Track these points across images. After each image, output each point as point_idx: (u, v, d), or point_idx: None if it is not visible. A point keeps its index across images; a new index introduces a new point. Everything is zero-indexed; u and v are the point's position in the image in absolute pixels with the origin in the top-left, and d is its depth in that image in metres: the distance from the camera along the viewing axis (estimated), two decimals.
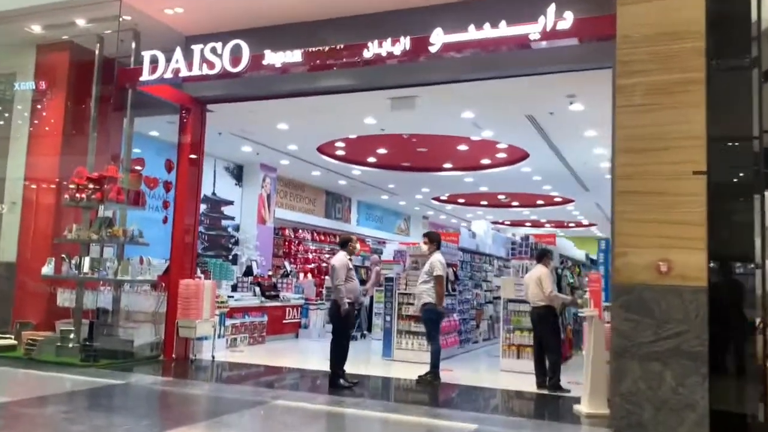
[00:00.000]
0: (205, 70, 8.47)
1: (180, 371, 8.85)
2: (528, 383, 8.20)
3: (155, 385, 7.70)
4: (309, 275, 14.47)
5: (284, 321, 13.22)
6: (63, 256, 9.50)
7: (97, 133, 9.99)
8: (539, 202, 20.77)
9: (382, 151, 14.35)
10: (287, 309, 13.32)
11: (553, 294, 8.07)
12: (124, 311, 9.79)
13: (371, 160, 15.45)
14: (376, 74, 8.38)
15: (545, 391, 7.84)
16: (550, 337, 8.04)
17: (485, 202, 22.79)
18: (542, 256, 8.51)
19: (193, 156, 10.09)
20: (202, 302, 9.56)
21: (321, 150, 14.19)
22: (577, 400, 6.94)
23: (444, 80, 8.45)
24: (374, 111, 10.47)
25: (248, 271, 13.02)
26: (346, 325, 7.70)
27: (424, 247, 8.76)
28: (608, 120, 6.40)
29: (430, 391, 8.02)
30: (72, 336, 9.07)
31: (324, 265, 18.39)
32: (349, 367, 7.99)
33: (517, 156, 13.67)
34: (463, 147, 13.48)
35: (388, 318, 10.63)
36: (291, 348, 12.36)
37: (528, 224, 28.44)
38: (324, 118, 11.11)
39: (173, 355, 9.51)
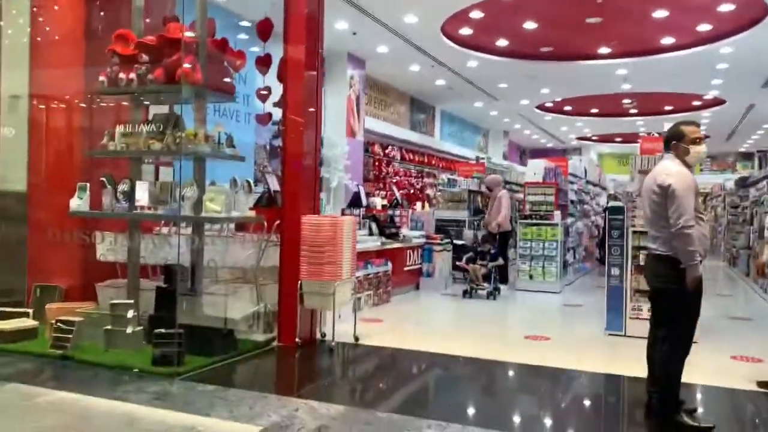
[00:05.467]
0: None
1: (351, 383, 5.16)
2: None
3: None
4: (426, 204, 10.55)
5: (405, 268, 9.43)
6: (103, 179, 5.64)
7: None
8: (695, 102, 16.39)
9: (529, 25, 10.10)
10: (407, 252, 9.50)
11: None
12: (208, 268, 5.97)
13: (502, 43, 11.21)
14: None
15: None
16: None
17: (596, 110, 18.54)
18: None
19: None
20: (342, 252, 5.68)
21: (447, 27, 9.98)
22: None
23: None
24: None
25: (356, 201, 9.11)
26: (689, 312, 3.80)
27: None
28: None
29: None
30: (130, 313, 5.30)
31: (413, 191, 14.46)
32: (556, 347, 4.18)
33: (749, 16, 9.24)
34: (662, 12, 9.20)
35: (615, 271, 6.75)
36: (436, 308, 8.65)
37: (640, 139, 24.08)
38: None
39: (297, 339, 5.73)
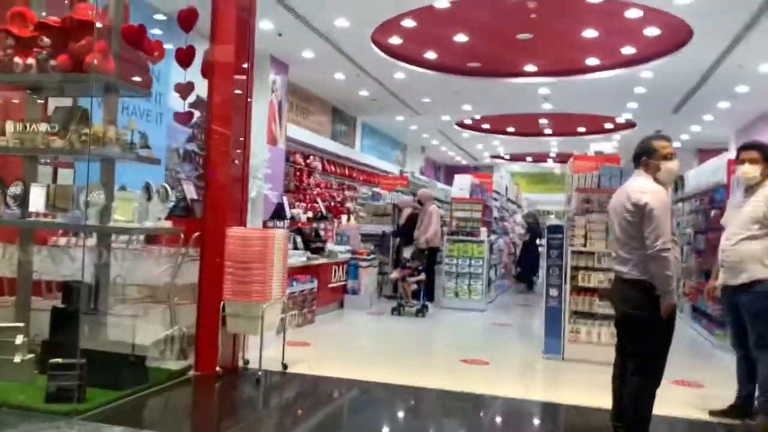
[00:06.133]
0: None
1: (282, 421, 4.54)
2: None
3: None
4: (352, 218, 10.07)
5: (330, 285, 8.91)
6: None
7: None
8: (607, 125, 16.85)
9: (460, 38, 9.93)
10: (333, 268, 8.99)
11: None
12: (114, 286, 5.23)
13: (431, 56, 10.99)
14: None
15: None
16: None
17: (512, 129, 18.79)
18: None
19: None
20: (272, 269, 5.11)
21: (377, 35, 9.63)
22: None
23: None
24: None
25: (278, 213, 8.50)
26: (663, 342, 3.53)
27: (752, 170, 4.47)
28: None
29: None
30: (19, 339, 4.48)
31: (334, 204, 13.98)
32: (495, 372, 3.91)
33: (673, 40, 9.45)
34: (591, 32, 9.28)
35: (553, 292, 6.54)
36: (365, 329, 8.19)
37: (550, 158, 24.72)
38: None
39: (217, 367, 5.08)
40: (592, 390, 5.24)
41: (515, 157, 25.62)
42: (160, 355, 5.21)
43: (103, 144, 4.66)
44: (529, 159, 26.01)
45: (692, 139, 17.70)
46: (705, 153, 19.66)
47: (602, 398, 4.77)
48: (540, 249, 15.08)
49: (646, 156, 3.68)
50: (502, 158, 25.52)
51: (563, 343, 6.42)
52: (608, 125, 16.96)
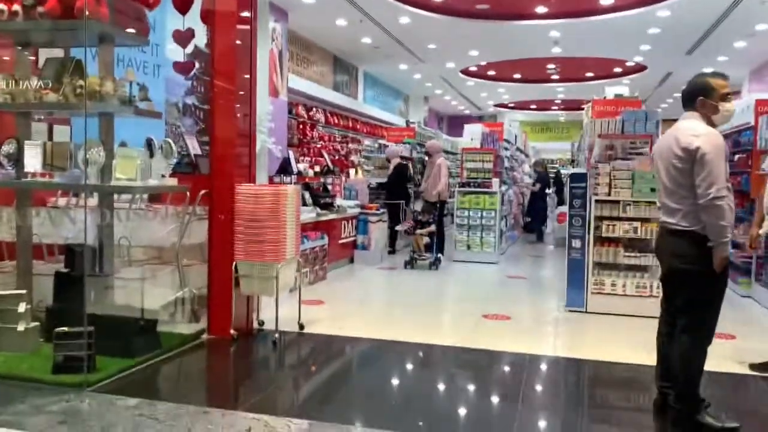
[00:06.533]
0: None
1: (307, 388, 4.33)
2: None
3: None
4: (359, 171, 9.73)
5: (340, 241, 8.66)
6: None
7: None
8: (616, 69, 16.33)
9: None
10: (342, 223, 8.72)
11: None
12: (119, 248, 4.96)
13: None
14: None
15: None
16: None
17: (518, 75, 18.24)
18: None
19: None
20: (285, 228, 4.83)
21: None
22: None
23: None
24: None
25: (284, 168, 8.16)
26: (715, 297, 3.27)
27: None
28: None
29: None
30: (22, 306, 4.24)
31: (338, 157, 13.61)
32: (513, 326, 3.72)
33: None
34: None
35: (576, 243, 6.28)
36: (379, 285, 8.00)
37: (555, 106, 24.19)
38: None
39: (232, 330, 4.86)
40: (622, 344, 5.05)
41: (519, 106, 25.06)
42: (171, 318, 4.99)
43: (100, 97, 4.32)
44: (533, 107, 25.47)
45: None
46: None
47: (634, 352, 4.60)
48: (548, 199, 14.83)
49: (702, 95, 3.33)
50: (507, 107, 24.97)
51: (586, 295, 6.20)
52: (617, 69, 16.43)
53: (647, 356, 4.43)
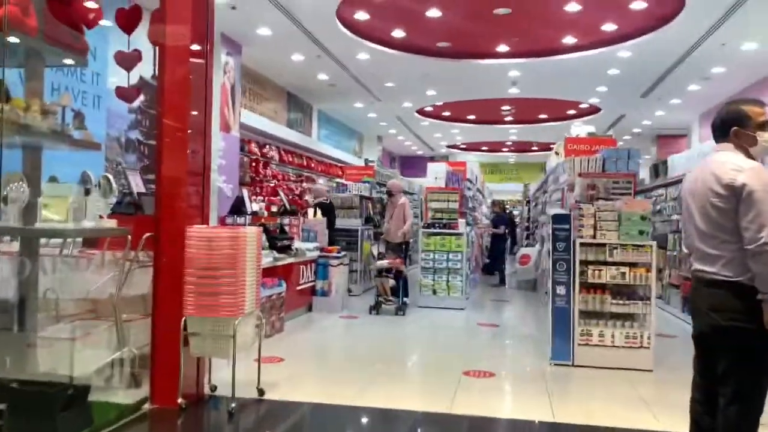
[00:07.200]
0: None
1: None
2: None
3: None
4: (318, 212, 9.11)
5: (298, 288, 7.97)
6: None
7: None
8: (570, 111, 16.36)
9: (433, 13, 9.09)
10: (300, 268, 8.05)
11: None
12: (45, 302, 4.19)
13: (399, 34, 10.14)
14: None
15: None
16: None
17: (472, 117, 18.14)
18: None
19: None
20: (245, 276, 4.16)
21: (342, 9, 8.71)
22: None
23: None
24: None
25: (238, 208, 7.49)
26: (762, 363, 2.79)
27: None
28: None
29: None
30: None
31: (292, 197, 12.96)
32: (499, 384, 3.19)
33: (660, 14, 8.84)
34: (574, 5, 8.62)
35: (561, 290, 5.79)
36: (344, 337, 7.30)
37: (505, 148, 24.24)
38: None
39: (179, 398, 4.11)
40: (621, 402, 4.54)
41: (470, 147, 25.08)
42: (107, 384, 4.22)
43: (26, 121, 3.62)
44: (484, 148, 25.56)
45: (652, 125, 17.43)
46: (664, 139, 19.52)
47: (636, 413, 4.09)
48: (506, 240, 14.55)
49: (737, 125, 2.90)
50: (459, 148, 24.94)
51: (573, 347, 5.70)
52: (571, 111, 16.49)
53: (653, 420, 3.94)
